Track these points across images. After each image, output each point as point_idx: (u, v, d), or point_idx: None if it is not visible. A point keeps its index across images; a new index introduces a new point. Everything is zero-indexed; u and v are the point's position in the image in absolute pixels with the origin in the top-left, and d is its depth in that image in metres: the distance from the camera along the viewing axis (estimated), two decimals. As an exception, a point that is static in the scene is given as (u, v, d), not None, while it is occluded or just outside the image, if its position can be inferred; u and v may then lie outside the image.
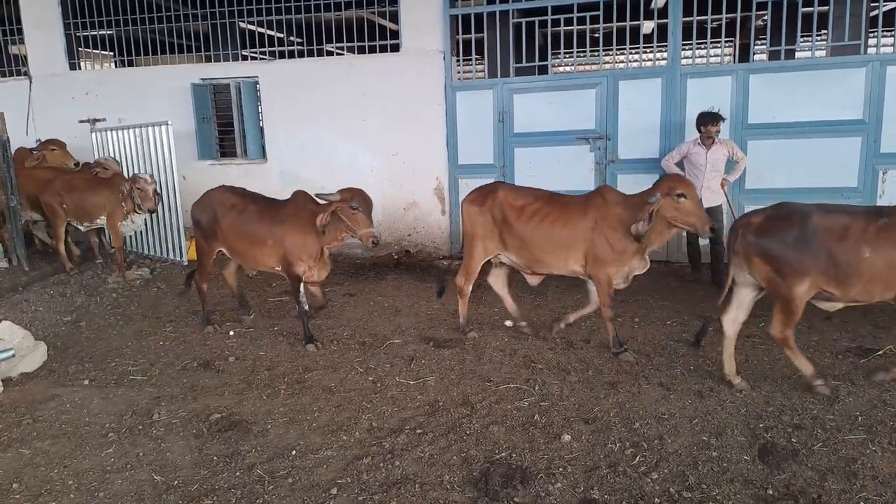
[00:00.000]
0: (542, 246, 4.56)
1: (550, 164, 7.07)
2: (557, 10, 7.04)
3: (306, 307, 4.90)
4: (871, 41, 7.29)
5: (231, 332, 5.26)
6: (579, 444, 3.41)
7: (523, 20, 7.17)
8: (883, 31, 6.32)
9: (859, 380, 4.04)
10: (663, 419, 3.63)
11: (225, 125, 8.37)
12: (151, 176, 6.65)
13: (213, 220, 5.07)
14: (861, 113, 6.29)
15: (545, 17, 7.03)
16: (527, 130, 7.15)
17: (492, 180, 7.24)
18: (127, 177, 6.94)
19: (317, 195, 4.70)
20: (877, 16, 7.27)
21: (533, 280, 4.91)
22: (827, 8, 6.76)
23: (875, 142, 6.29)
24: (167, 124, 7.06)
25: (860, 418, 3.58)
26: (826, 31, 7.05)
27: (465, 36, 7.31)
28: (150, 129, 7.23)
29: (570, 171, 6.99)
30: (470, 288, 4.96)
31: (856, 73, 6.28)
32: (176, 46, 11.63)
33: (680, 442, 3.40)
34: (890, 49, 6.85)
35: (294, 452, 3.41)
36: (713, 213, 5.97)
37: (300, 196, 4.96)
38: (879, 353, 4.41)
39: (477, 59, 8.38)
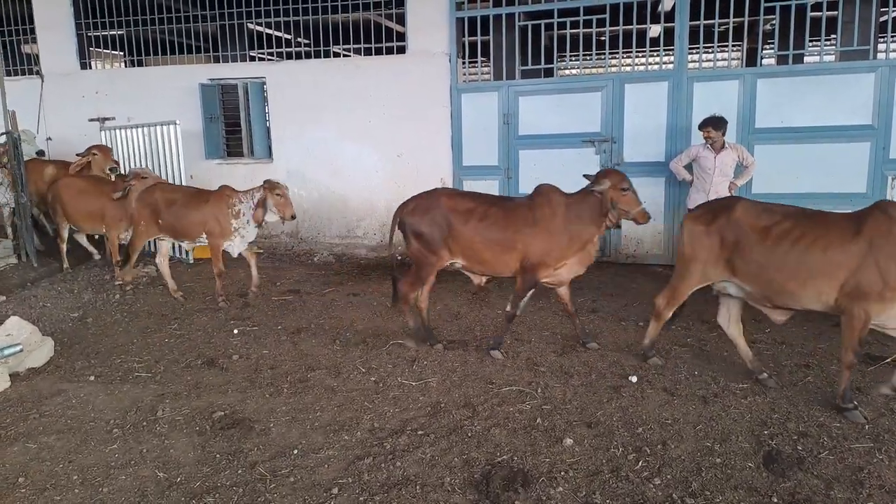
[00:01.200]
0: (790, 273, 3.76)
1: (555, 167, 7.07)
2: (564, 13, 7.04)
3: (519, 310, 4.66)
4: (881, 46, 7.26)
5: (235, 331, 5.28)
6: (581, 448, 3.41)
7: (529, 23, 7.18)
8: (892, 36, 6.27)
9: (866, 388, 4.02)
10: (667, 424, 3.62)
11: (232, 125, 8.42)
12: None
13: (446, 229, 4.51)
14: (870, 118, 6.27)
15: (551, 21, 7.03)
16: (532, 133, 7.16)
17: (495, 182, 7.33)
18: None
19: (589, 186, 4.44)
20: (886, 21, 7.22)
21: (777, 316, 4.07)
22: (836, 13, 6.75)
23: (884, 148, 6.26)
24: (175, 123, 7.10)
25: (867, 427, 3.56)
26: (835, 36, 7.02)
27: (471, 38, 7.32)
28: (158, 128, 7.28)
29: (576, 174, 6.96)
30: (671, 312, 4.39)
31: (865, 79, 6.26)
32: (185, 47, 11.70)
33: (683, 447, 3.38)
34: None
35: (296, 451, 3.42)
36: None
37: (547, 190, 4.55)
38: (887, 360, 4.38)
39: (483, 62, 8.40)
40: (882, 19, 7.45)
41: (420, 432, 3.58)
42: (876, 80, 6.22)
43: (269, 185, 5.78)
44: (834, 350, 4.63)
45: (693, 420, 3.66)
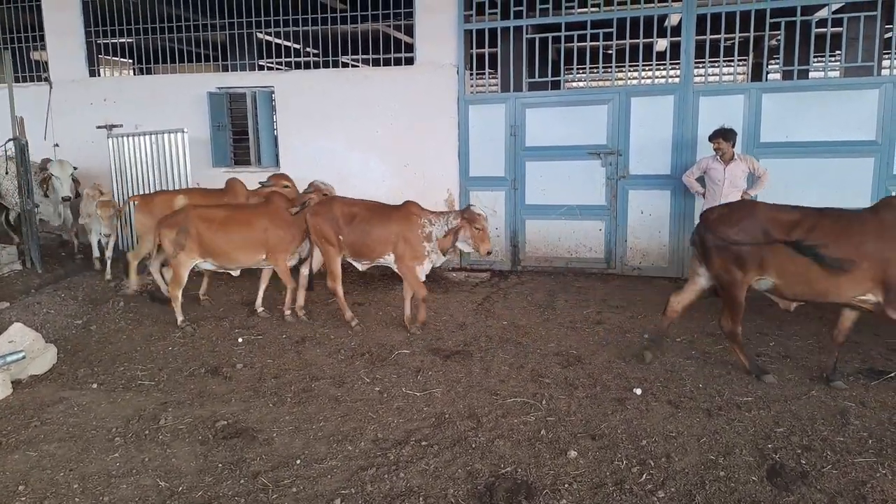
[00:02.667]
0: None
1: (562, 179, 7.09)
2: (571, 26, 7.09)
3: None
4: (885, 63, 7.28)
5: (240, 340, 5.28)
6: (585, 460, 3.39)
7: (537, 36, 7.23)
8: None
9: (870, 402, 3.99)
10: (671, 437, 3.60)
11: (240, 133, 8.47)
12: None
13: (763, 244, 4.03)
14: (874, 134, 6.28)
15: (559, 34, 7.08)
16: (538, 144, 7.18)
17: (501, 193, 7.34)
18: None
19: None
20: (891, 38, 7.26)
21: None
22: (840, 29, 6.77)
23: (888, 163, 6.27)
24: (183, 131, 7.15)
25: (870, 441, 3.54)
26: (839, 52, 7.05)
27: (478, 50, 7.37)
28: (165, 135, 7.33)
29: (582, 186, 7.01)
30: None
31: (869, 94, 6.27)
32: (193, 55, 11.80)
33: (687, 461, 3.37)
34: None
35: (299, 461, 3.41)
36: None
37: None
38: (891, 375, 4.35)
39: (490, 73, 8.44)
40: (886, 36, 7.48)
41: (424, 443, 3.57)
42: (880, 96, 6.23)
43: (470, 217, 5.10)
44: (839, 366, 4.60)
45: (697, 433, 3.64)
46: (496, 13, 7.34)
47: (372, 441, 3.61)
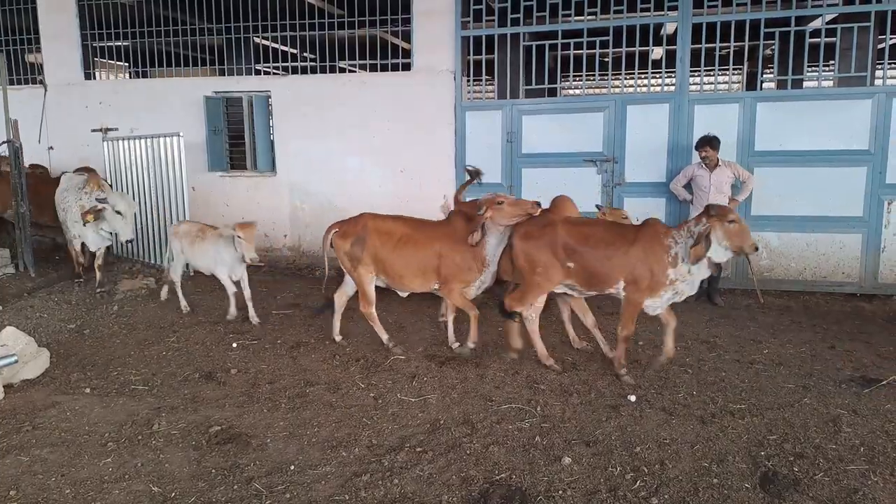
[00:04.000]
0: None
1: (558, 186, 7.09)
2: (568, 34, 7.14)
3: None
4: (878, 73, 7.34)
5: (234, 345, 5.27)
6: (580, 466, 3.39)
7: (534, 43, 7.26)
8: (889, 63, 6.36)
9: (862, 409, 4.01)
10: (665, 444, 3.60)
11: (235, 138, 8.47)
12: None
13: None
14: (867, 143, 6.33)
15: (556, 41, 7.12)
16: (535, 151, 7.21)
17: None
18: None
19: None
20: (884, 48, 7.33)
21: None
22: (834, 39, 6.84)
23: (881, 172, 6.32)
24: (178, 135, 7.14)
25: (862, 448, 3.55)
26: (833, 62, 7.11)
27: (476, 57, 7.40)
28: (161, 139, 7.31)
29: (578, 193, 6.98)
30: None
31: (862, 104, 6.33)
32: (190, 59, 11.80)
33: (681, 467, 3.37)
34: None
35: (293, 467, 3.40)
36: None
37: None
38: (883, 383, 4.38)
39: (487, 80, 8.48)
40: (879, 47, 7.54)
41: (418, 449, 3.56)
42: (873, 106, 6.29)
43: (718, 213, 4.17)
44: (829, 373, 4.63)
45: (691, 440, 3.65)
46: (493, 20, 7.38)
47: (366, 447, 3.60)
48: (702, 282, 6.05)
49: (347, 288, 5.34)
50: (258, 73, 10.20)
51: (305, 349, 5.17)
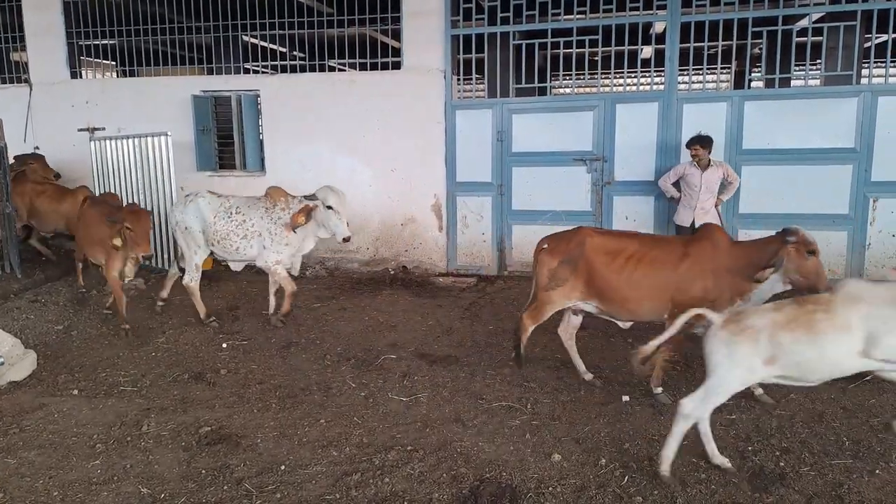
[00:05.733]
0: None
1: (548, 184, 7.13)
2: (557, 33, 7.15)
3: None
4: (864, 72, 7.41)
5: (224, 345, 5.25)
6: (569, 463, 3.41)
7: (524, 42, 7.28)
8: (875, 62, 6.42)
9: (847, 404, 4.06)
10: (653, 440, 3.63)
11: (224, 137, 8.42)
12: None
13: None
14: (853, 142, 6.39)
15: (545, 40, 7.13)
16: (525, 150, 7.22)
17: (488, 198, 7.36)
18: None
19: None
20: (870, 47, 7.42)
21: None
22: (821, 38, 6.90)
23: (866, 170, 6.38)
24: (166, 135, 7.09)
25: (847, 443, 3.60)
26: (820, 61, 7.18)
27: (465, 55, 7.40)
28: (149, 139, 7.26)
29: (567, 192, 7.06)
30: None
31: (848, 103, 6.38)
32: (178, 58, 11.73)
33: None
34: (882, 80, 6.94)
35: (283, 467, 3.39)
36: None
37: None
38: (867, 378, 4.43)
39: (477, 79, 8.49)
40: (866, 46, 7.62)
41: (409, 448, 3.57)
42: (859, 104, 6.34)
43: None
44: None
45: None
46: (483, 19, 7.38)
47: (357, 446, 3.60)
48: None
49: (572, 322, 4.61)
50: (247, 71, 10.15)
51: (296, 349, 5.16)
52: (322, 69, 8.65)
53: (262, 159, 8.17)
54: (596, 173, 7.00)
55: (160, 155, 7.17)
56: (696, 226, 6.06)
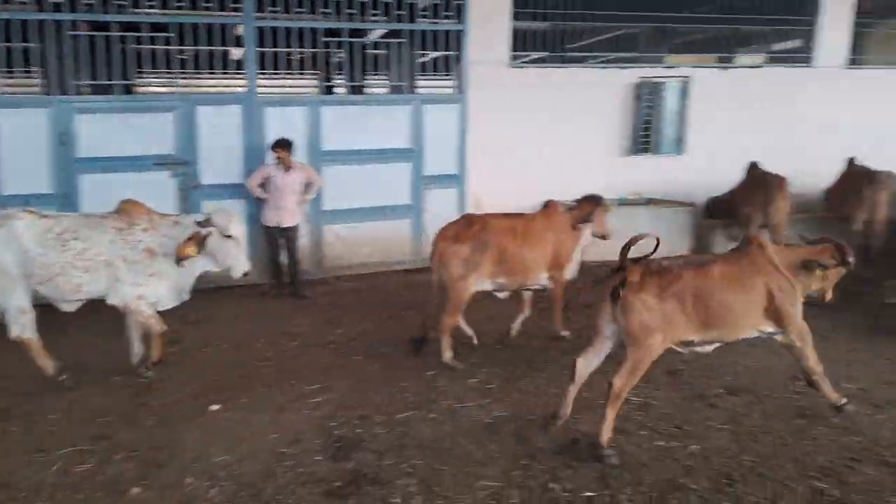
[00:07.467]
0: None
1: (129, 192, 6.40)
2: (130, 27, 6.51)
3: None
4: (419, 83, 8.77)
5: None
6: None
7: (81, 33, 6.42)
8: (422, 76, 7.70)
9: (413, 367, 4.74)
10: (239, 442, 3.67)
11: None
12: None
13: None
14: (410, 142, 7.52)
15: (111, 34, 6.42)
16: (97, 155, 6.39)
17: (53, 211, 6.17)
18: None
19: None
20: (424, 63, 8.78)
21: None
22: (387, 52, 7.91)
23: (420, 167, 7.57)
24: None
25: (411, 398, 4.22)
26: (388, 72, 8.22)
27: (13, 44, 6.15)
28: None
29: (152, 198, 6.45)
30: None
31: (405, 110, 7.47)
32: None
33: (261, 458, 3.50)
34: (429, 90, 8.36)
35: None
36: (291, 232, 6.49)
37: None
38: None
39: (34, 73, 7.26)
40: (420, 61, 9.01)
41: None
42: (412, 110, 7.49)
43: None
44: (395, 339, 5.34)
45: (265, 429, 3.83)
46: (26, 3, 6.24)
47: None
48: (290, 277, 6.39)
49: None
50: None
51: None
52: None
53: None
54: (181, 178, 6.67)
55: None
56: (283, 226, 6.40)
